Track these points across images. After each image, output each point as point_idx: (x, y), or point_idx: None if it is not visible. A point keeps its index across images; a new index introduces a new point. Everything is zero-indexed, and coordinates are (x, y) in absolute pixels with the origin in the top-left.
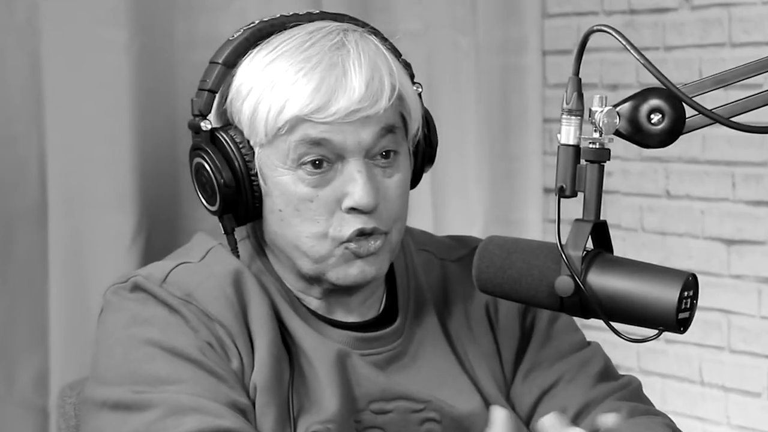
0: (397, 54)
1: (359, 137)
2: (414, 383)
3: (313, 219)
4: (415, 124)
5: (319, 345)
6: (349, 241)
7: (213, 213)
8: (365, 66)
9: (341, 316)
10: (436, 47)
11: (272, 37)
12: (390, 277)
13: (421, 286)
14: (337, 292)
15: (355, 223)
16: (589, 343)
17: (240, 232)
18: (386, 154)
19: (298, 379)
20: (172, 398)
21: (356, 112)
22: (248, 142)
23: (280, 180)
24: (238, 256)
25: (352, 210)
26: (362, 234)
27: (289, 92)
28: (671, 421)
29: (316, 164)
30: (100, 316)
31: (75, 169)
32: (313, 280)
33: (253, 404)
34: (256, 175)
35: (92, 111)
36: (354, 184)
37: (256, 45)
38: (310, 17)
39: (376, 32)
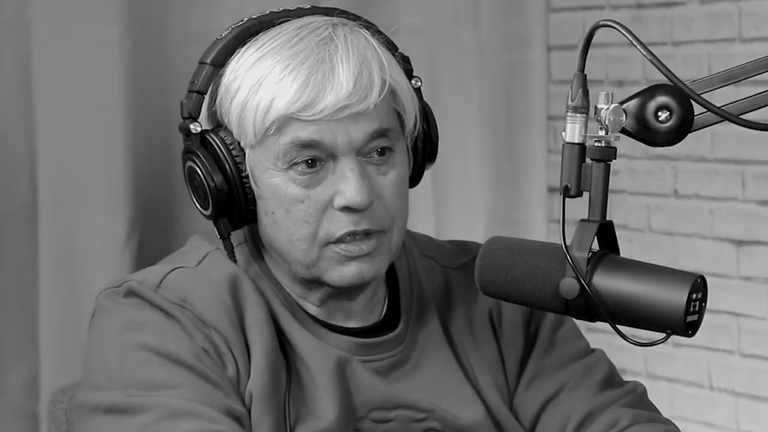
0: (392, 47)
1: (350, 136)
2: (416, 391)
3: (304, 220)
4: (411, 119)
5: (318, 351)
6: (338, 242)
7: (207, 217)
8: (353, 61)
9: (341, 321)
10: (438, 42)
11: (260, 34)
12: (392, 280)
13: (423, 292)
14: (337, 297)
15: (346, 224)
16: (593, 350)
17: (237, 236)
18: (381, 152)
19: (296, 386)
20: (167, 402)
21: (345, 109)
22: (238, 143)
23: (272, 182)
24: (235, 261)
25: (345, 209)
26: (353, 235)
27: (275, 90)
28: (676, 427)
29: (310, 163)
30: (91, 321)
31: (66, 168)
32: (311, 284)
33: (249, 412)
34: (247, 177)
35: (84, 109)
36: (346, 182)
37: (245, 43)
38: (300, 12)
39: (369, 25)
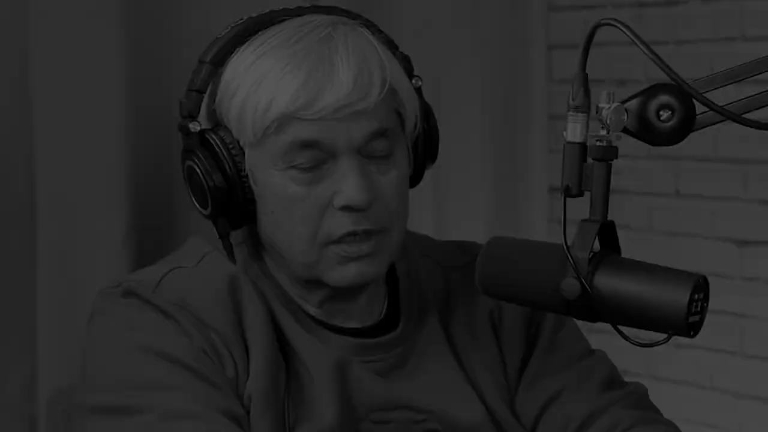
0: (392, 46)
1: (350, 136)
2: (416, 392)
3: (303, 220)
4: (412, 118)
5: (317, 352)
6: (338, 242)
7: (206, 217)
8: (354, 60)
9: (341, 322)
10: (438, 42)
11: (260, 33)
12: (392, 280)
13: (424, 293)
14: (337, 298)
15: (346, 224)
16: (594, 351)
17: (236, 237)
18: (381, 151)
19: (295, 387)
20: (166, 403)
21: (345, 108)
22: (238, 142)
23: (271, 181)
24: (234, 261)
25: (345, 208)
26: (353, 235)
27: (275, 89)
28: (677, 429)
29: (309, 163)
30: (90, 322)
31: (64, 168)
32: (311, 284)
33: (248, 413)
34: (246, 176)
35: (83, 108)
36: (346, 181)
37: (244, 42)
38: (300, 11)
39: (369, 24)
